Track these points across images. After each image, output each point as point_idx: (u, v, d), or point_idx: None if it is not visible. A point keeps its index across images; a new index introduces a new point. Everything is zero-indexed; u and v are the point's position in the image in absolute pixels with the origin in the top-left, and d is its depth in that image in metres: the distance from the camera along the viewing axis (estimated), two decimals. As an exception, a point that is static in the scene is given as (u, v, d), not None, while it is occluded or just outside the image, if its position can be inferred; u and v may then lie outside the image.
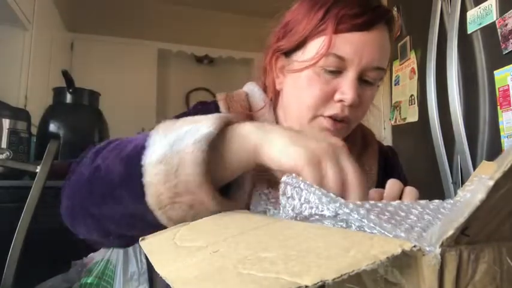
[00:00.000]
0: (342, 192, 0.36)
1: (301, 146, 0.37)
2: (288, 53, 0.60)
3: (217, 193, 0.38)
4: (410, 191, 0.46)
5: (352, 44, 0.54)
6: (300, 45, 0.58)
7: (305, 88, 0.57)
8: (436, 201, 0.34)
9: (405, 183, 0.47)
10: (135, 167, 0.39)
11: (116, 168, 0.40)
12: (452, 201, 0.34)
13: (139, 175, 0.38)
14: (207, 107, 0.65)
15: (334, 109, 0.56)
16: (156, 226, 0.38)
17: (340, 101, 0.55)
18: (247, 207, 0.45)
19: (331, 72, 0.55)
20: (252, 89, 0.68)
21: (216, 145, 0.39)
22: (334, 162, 0.36)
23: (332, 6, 0.55)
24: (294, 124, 0.62)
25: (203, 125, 0.38)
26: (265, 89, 0.67)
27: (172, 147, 0.37)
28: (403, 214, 0.30)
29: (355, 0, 0.55)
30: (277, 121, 0.65)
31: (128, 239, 0.45)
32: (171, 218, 0.39)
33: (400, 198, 0.46)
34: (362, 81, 0.57)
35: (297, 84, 0.58)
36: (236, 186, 0.43)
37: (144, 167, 0.38)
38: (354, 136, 0.68)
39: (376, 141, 0.73)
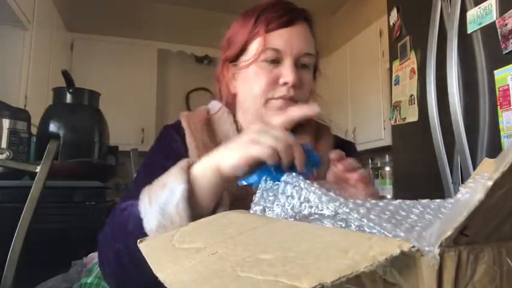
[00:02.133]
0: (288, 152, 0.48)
1: (238, 143, 0.50)
2: (234, 60, 0.73)
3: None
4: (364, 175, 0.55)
5: (282, 38, 0.67)
6: (242, 50, 0.71)
7: (253, 79, 0.69)
8: (437, 200, 0.34)
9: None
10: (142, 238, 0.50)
11: (130, 246, 0.50)
12: (453, 201, 0.33)
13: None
14: (174, 128, 0.75)
15: (281, 91, 0.68)
16: None
17: (285, 83, 0.67)
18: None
19: (272, 62, 0.68)
20: (212, 103, 0.79)
21: (192, 192, 0.51)
22: (267, 134, 0.49)
23: (260, 14, 0.69)
24: (251, 114, 0.72)
25: (174, 186, 0.50)
26: (221, 100, 0.78)
27: (163, 216, 0.50)
28: (403, 214, 0.30)
29: (277, 6, 0.70)
30: (237, 122, 0.76)
31: None
32: None
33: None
34: (299, 66, 0.69)
35: (247, 79, 0.70)
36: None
37: (148, 235, 0.50)
38: (306, 127, 0.76)
39: (331, 135, 0.81)
